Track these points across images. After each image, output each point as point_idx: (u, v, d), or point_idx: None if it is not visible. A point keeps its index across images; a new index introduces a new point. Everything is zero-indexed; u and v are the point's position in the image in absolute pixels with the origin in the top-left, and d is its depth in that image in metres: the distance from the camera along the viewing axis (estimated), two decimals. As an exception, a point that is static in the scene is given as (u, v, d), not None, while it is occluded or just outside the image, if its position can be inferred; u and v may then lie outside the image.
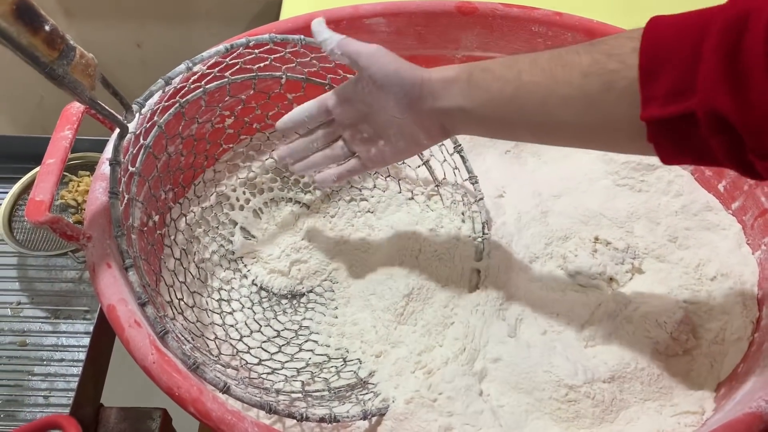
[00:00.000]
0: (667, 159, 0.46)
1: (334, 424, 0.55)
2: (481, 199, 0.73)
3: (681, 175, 0.76)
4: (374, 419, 0.57)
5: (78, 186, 0.79)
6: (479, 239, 0.71)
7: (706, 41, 0.41)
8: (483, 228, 0.71)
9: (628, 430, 0.58)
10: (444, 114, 0.56)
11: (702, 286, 0.67)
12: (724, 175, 0.71)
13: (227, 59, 0.65)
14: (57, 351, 0.67)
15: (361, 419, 0.57)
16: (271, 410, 0.52)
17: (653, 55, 0.43)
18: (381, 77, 0.57)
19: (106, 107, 0.52)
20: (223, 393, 0.50)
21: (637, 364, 0.61)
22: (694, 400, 0.60)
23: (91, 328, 0.67)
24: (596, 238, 0.71)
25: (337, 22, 0.74)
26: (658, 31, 0.44)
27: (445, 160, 0.75)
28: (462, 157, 0.74)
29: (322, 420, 0.54)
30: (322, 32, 0.60)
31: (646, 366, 0.61)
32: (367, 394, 0.60)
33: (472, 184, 0.74)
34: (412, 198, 0.76)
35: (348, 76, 0.70)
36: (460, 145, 0.74)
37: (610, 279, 0.68)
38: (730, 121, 0.40)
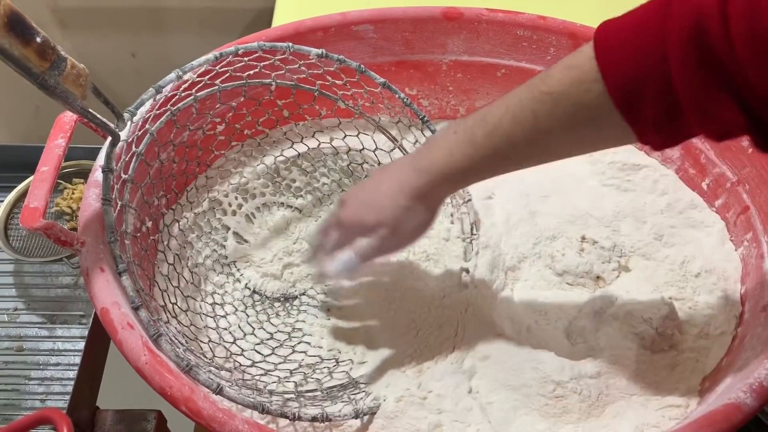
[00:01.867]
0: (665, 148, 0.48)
1: (327, 423, 0.57)
2: (470, 200, 0.74)
3: (666, 174, 0.77)
4: (366, 418, 0.59)
5: (72, 193, 0.80)
6: (468, 240, 0.72)
7: (670, 53, 0.41)
8: (471, 229, 0.72)
9: (614, 424, 0.59)
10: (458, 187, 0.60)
11: (687, 282, 0.68)
12: (708, 174, 0.73)
13: (217, 67, 0.66)
14: (53, 355, 0.68)
15: (352, 418, 0.58)
16: (263, 410, 0.53)
17: (624, 92, 0.43)
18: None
19: (98, 116, 0.54)
20: (216, 394, 0.51)
21: (623, 359, 0.63)
22: (679, 393, 0.61)
23: (86, 333, 0.68)
24: (583, 238, 0.72)
25: (325, 30, 0.76)
26: (616, 63, 0.44)
27: (433, 163, 0.76)
28: (450, 159, 0.75)
29: (314, 419, 0.55)
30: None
31: (632, 361, 0.63)
32: (358, 393, 0.61)
33: (461, 186, 0.75)
34: (402, 201, 0.77)
35: (336, 82, 0.72)
36: (448, 148, 0.75)
37: (597, 277, 0.69)
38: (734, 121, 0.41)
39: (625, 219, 0.75)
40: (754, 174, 0.67)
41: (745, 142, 0.67)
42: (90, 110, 0.52)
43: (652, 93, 0.42)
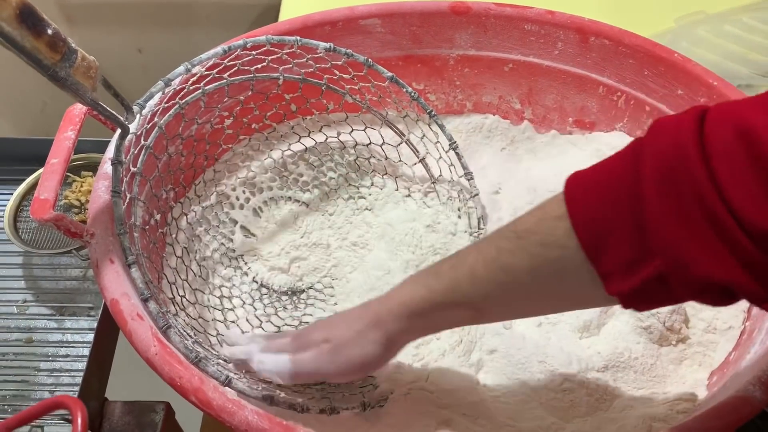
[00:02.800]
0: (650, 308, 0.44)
1: (334, 416, 0.57)
2: (477, 195, 0.74)
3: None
4: (373, 411, 0.59)
5: (81, 186, 0.80)
6: (475, 234, 0.72)
7: (641, 196, 0.38)
8: (479, 223, 0.72)
9: (621, 418, 0.59)
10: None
11: (694, 277, 0.68)
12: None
13: (225, 61, 0.66)
14: (62, 347, 0.68)
15: (360, 411, 0.58)
16: (272, 402, 0.53)
17: (591, 231, 0.40)
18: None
19: (108, 108, 0.54)
20: (224, 386, 0.52)
21: (630, 353, 0.63)
22: (686, 388, 0.61)
23: (95, 325, 0.68)
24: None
25: (333, 24, 0.76)
26: (584, 201, 0.41)
27: (440, 158, 0.76)
28: (457, 154, 0.75)
29: (322, 411, 0.56)
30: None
31: (640, 355, 0.63)
32: (366, 386, 0.61)
33: (468, 180, 0.75)
34: (409, 195, 0.77)
35: (344, 76, 0.72)
36: (455, 142, 0.76)
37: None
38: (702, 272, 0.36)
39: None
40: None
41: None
42: (100, 102, 0.52)
43: (621, 232, 0.39)
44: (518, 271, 0.45)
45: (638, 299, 0.40)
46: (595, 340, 0.64)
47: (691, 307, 0.66)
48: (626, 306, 0.41)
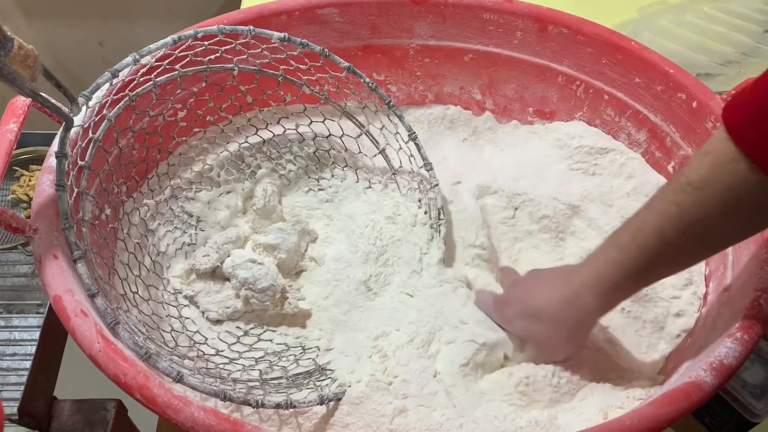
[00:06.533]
0: None
1: (291, 410, 0.56)
2: (437, 185, 0.73)
3: (633, 157, 0.77)
4: (331, 404, 0.58)
5: (29, 180, 0.78)
6: (435, 225, 0.71)
7: None
8: (439, 214, 0.72)
9: (581, 406, 0.59)
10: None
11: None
12: (673, 156, 0.73)
13: (177, 51, 0.65)
14: (9, 345, 0.66)
15: (318, 404, 0.57)
16: (226, 398, 0.52)
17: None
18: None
19: (50, 99, 0.52)
20: (176, 382, 0.51)
21: (590, 345, 0.63)
22: (643, 374, 0.61)
23: (42, 322, 0.66)
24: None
25: (289, 14, 0.75)
26: (752, 133, 0.43)
27: (400, 149, 0.75)
28: (416, 144, 0.75)
29: (278, 406, 0.55)
30: None
31: (600, 347, 0.63)
32: (324, 380, 0.60)
33: (428, 171, 0.74)
34: (370, 187, 0.77)
35: (300, 67, 0.71)
36: (414, 132, 0.75)
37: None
38: None
39: (592, 203, 0.75)
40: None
41: (709, 123, 0.67)
42: (41, 93, 0.51)
43: None
44: (710, 220, 0.47)
45: None
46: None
47: (649, 292, 0.66)
48: None
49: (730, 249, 0.62)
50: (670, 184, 0.49)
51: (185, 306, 0.66)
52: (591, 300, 0.55)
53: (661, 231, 0.49)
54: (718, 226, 0.47)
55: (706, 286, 0.65)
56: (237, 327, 0.65)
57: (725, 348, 0.50)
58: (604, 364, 0.63)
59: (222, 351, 0.62)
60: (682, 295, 0.65)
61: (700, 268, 0.66)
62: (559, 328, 0.58)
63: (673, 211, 0.48)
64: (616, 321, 0.65)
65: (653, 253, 0.51)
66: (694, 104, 0.68)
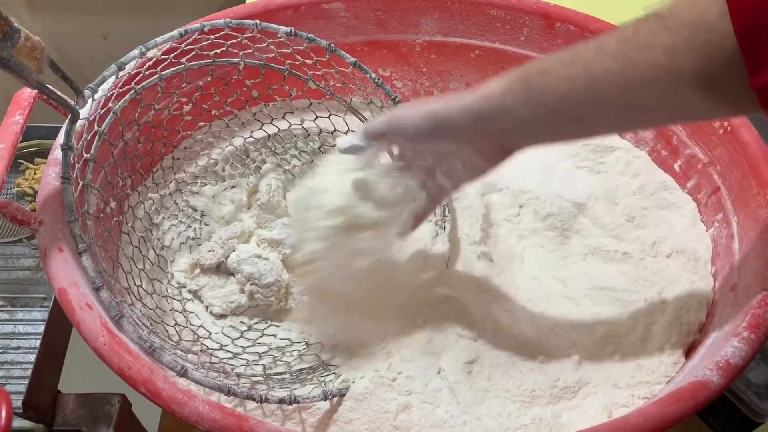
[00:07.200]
0: None
1: (295, 405, 0.56)
2: (442, 182, 0.73)
3: (639, 156, 0.77)
4: (335, 400, 0.58)
5: (35, 174, 0.78)
6: (440, 222, 0.71)
7: None
8: (444, 211, 0.72)
9: (584, 404, 0.59)
10: (502, 133, 0.52)
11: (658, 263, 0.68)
12: (680, 155, 0.73)
13: (183, 45, 0.65)
14: (14, 339, 0.66)
15: (321, 400, 0.57)
16: (230, 393, 0.52)
17: (748, 19, 0.38)
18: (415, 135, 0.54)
19: (56, 91, 0.52)
20: (180, 376, 0.51)
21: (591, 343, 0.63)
22: (648, 373, 0.61)
23: (47, 316, 0.66)
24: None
25: (295, 8, 0.74)
26: None
27: (405, 145, 0.75)
28: (422, 140, 0.74)
29: (282, 401, 0.55)
30: (345, 144, 0.58)
31: (601, 342, 0.63)
32: (328, 375, 0.60)
33: (433, 167, 0.74)
34: (374, 183, 0.76)
35: (306, 62, 0.71)
36: (420, 129, 0.74)
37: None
38: None
39: (597, 201, 0.74)
40: (724, 154, 0.67)
41: (716, 123, 0.67)
42: (47, 85, 0.50)
43: None
44: (656, 50, 0.42)
45: None
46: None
47: (653, 294, 0.66)
48: (763, 102, 0.40)
49: (737, 247, 0.62)
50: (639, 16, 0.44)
51: (189, 300, 0.66)
52: (469, 94, 0.51)
53: (601, 47, 0.45)
54: (660, 63, 0.43)
55: (713, 284, 0.65)
56: (241, 322, 0.65)
57: (732, 347, 0.49)
58: (605, 362, 0.62)
59: (226, 346, 0.62)
60: (688, 295, 0.65)
61: (706, 267, 0.66)
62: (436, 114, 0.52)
63: (626, 32, 0.44)
64: (617, 317, 0.64)
65: (586, 62, 0.46)
66: (702, 103, 0.68)
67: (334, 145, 0.77)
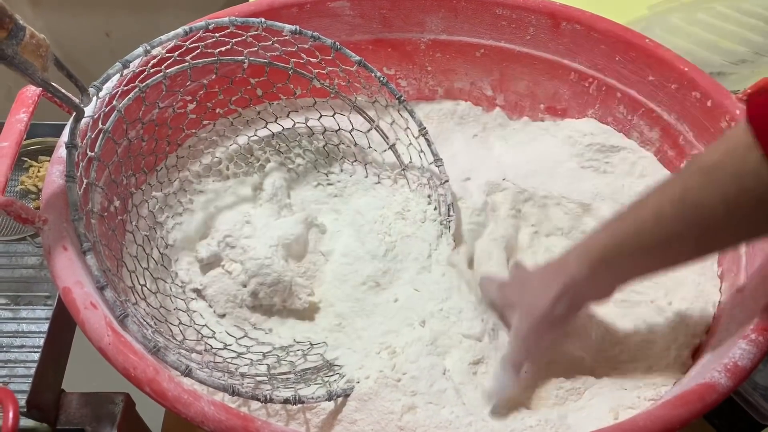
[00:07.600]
0: None
1: (299, 405, 0.56)
2: (447, 181, 0.73)
3: (644, 156, 0.77)
4: (339, 400, 0.58)
5: (38, 171, 0.78)
6: (445, 221, 0.71)
7: None
8: (449, 210, 0.71)
9: (590, 406, 0.59)
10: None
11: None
12: (686, 155, 0.72)
13: (187, 43, 0.64)
14: (17, 337, 0.66)
15: (326, 400, 0.57)
16: (234, 392, 0.52)
17: None
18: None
19: (61, 89, 0.52)
20: (184, 376, 0.50)
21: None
22: (655, 376, 0.61)
23: (51, 314, 0.66)
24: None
25: (300, 6, 0.74)
26: None
27: (410, 144, 0.75)
28: (427, 140, 0.74)
29: (286, 402, 0.54)
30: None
31: (607, 345, 0.62)
32: (332, 375, 0.60)
33: (438, 167, 0.74)
34: (379, 182, 0.76)
35: (311, 60, 0.70)
36: (425, 128, 0.74)
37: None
38: None
39: (603, 201, 0.74)
40: (731, 155, 0.66)
41: (723, 122, 0.66)
42: (52, 83, 0.50)
43: None
44: (710, 205, 0.44)
45: None
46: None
47: (660, 297, 0.65)
48: None
49: (743, 250, 0.61)
50: (684, 167, 0.48)
51: (193, 299, 0.66)
52: (575, 264, 0.53)
53: (659, 208, 0.48)
54: (718, 215, 0.45)
55: (720, 287, 0.65)
56: (245, 321, 0.65)
57: (739, 349, 0.49)
58: (612, 364, 0.62)
59: (230, 345, 0.61)
60: (694, 297, 0.64)
61: (713, 267, 0.66)
62: (545, 289, 0.55)
63: (676, 191, 0.47)
64: (623, 318, 0.64)
65: (647, 230, 0.49)
66: (709, 103, 0.68)
67: (337, 144, 0.77)
